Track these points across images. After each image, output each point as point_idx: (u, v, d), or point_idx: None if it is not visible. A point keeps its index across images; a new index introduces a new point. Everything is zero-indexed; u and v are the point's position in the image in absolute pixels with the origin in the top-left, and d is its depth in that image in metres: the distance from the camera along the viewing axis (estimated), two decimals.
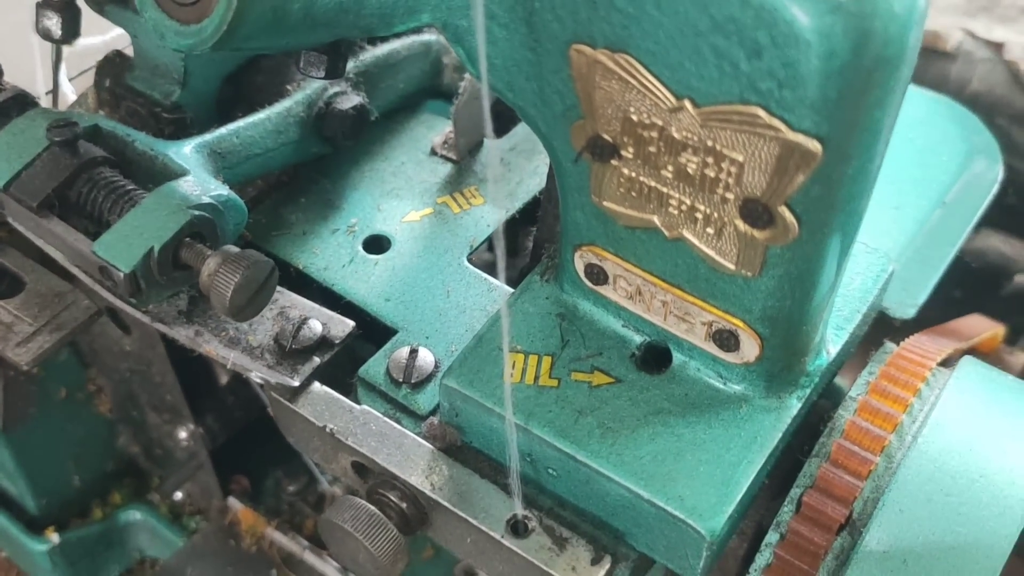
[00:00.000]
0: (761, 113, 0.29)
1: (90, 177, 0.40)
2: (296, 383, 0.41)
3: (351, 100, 0.48)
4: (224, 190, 0.40)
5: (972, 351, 0.50)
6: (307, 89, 0.47)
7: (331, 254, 0.46)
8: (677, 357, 0.38)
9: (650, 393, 0.37)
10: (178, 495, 0.62)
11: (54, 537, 0.59)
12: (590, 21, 0.31)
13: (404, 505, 0.39)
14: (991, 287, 0.72)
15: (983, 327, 0.59)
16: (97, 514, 0.62)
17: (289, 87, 0.48)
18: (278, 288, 0.45)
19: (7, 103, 0.42)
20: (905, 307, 0.46)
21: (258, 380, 0.41)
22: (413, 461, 0.39)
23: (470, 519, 0.37)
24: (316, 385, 0.42)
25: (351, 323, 0.43)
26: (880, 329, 0.45)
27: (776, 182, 0.30)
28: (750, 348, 0.36)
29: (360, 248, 0.47)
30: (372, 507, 0.38)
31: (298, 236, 0.47)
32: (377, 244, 0.47)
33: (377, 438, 0.40)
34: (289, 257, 0.46)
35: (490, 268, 0.47)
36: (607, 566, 0.36)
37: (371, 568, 0.38)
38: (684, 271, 0.35)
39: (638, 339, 0.39)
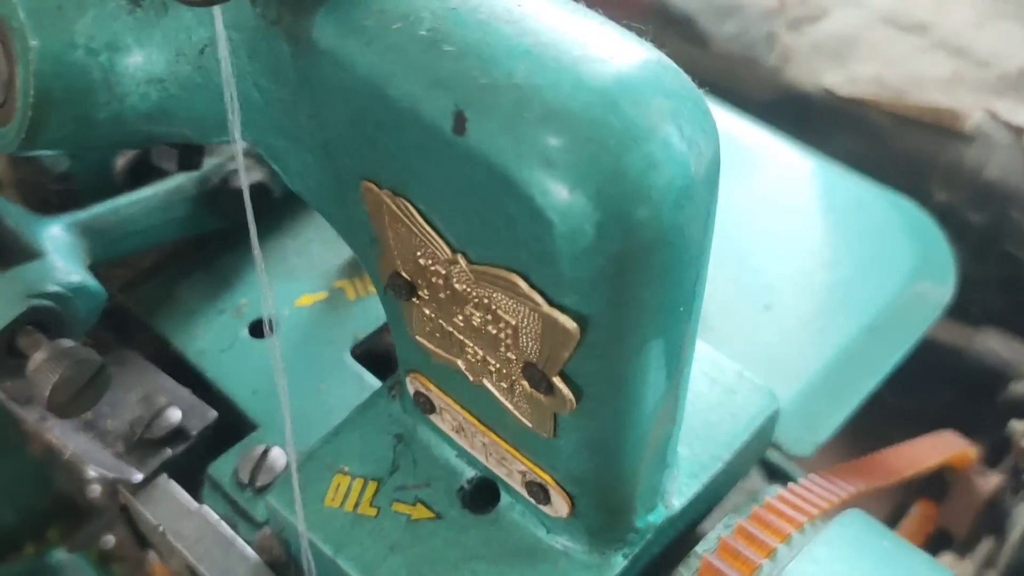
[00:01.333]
0: (521, 283, 0.27)
1: None
2: (138, 478, 0.40)
3: (250, 176, 0.47)
4: (78, 277, 0.40)
5: (923, 478, 0.46)
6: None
7: (212, 336, 0.45)
8: (504, 497, 0.36)
9: (469, 535, 0.35)
10: (109, 541, 0.62)
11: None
12: (372, 161, 0.29)
13: None
14: (986, 392, 0.67)
15: (945, 449, 0.55)
16: (29, 551, 0.62)
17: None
18: (155, 370, 0.44)
19: None
20: (803, 444, 0.42)
21: (96, 474, 0.40)
22: (234, 574, 0.38)
23: None
24: (162, 479, 0.41)
25: (213, 414, 0.42)
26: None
27: (547, 351, 0.28)
28: (560, 504, 0.33)
29: (245, 331, 0.46)
30: None
31: (184, 314, 0.46)
32: (260, 329, 0.46)
33: (207, 544, 0.39)
34: (169, 336, 0.45)
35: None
36: None
37: None
38: (493, 417, 0.33)
39: (469, 473, 0.36)
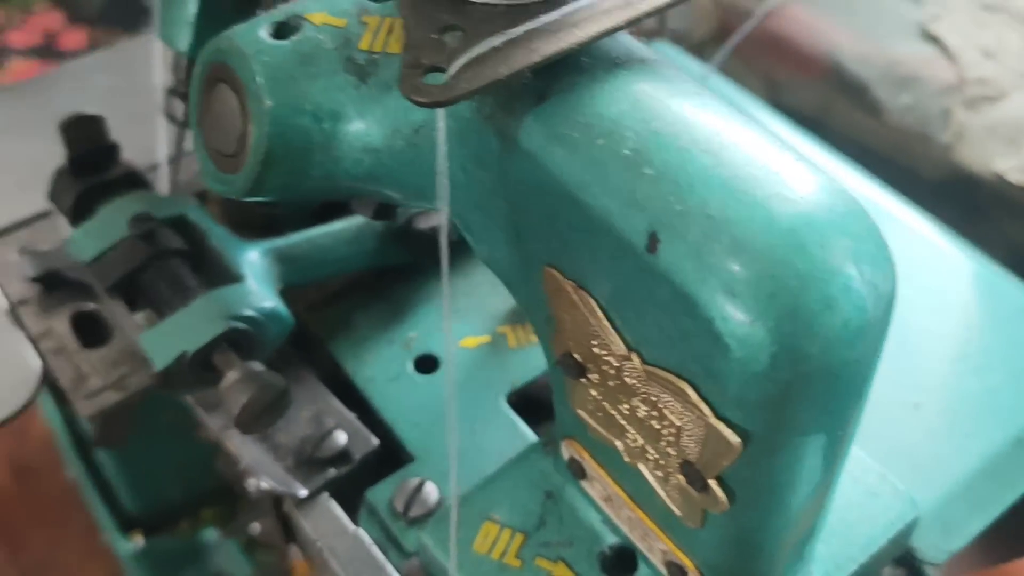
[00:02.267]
0: (690, 391, 0.28)
1: (159, 267, 0.44)
2: (303, 494, 0.43)
3: (431, 219, 0.50)
4: (271, 303, 0.43)
5: None
6: None
7: (381, 366, 0.48)
8: (642, 568, 0.37)
9: None
10: (256, 528, 0.67)
11: (139, 540, 0.65)
12: (560, 253, 0.31)
13: None
14: None
15: None
16: (184, 527, 0.68)
17: None
18: (326, 391, 0.47)
19: (117, 180, 0.47)
20: (937, 551, 0.42)
21: (267, 485, 0.43)
22: None
23: None
24: (323, 497, 0.44)
25: (375, 442, 0.45)
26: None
27: (707, 456, 0.29)
28: None
29: (410, 364, 0.49)
30: None
31: (358, 340, 0.49)
32: (428, 363, 0.49)
33: (359, 566, 0.42)
34: (342, 360, 0.49)
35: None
36: None
37: None
38: (643, 497, 0.35)
39: (611, 539, 0.38)
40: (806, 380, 0.26)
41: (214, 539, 0.66)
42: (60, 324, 0.50)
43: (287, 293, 0.47)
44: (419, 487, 0.44)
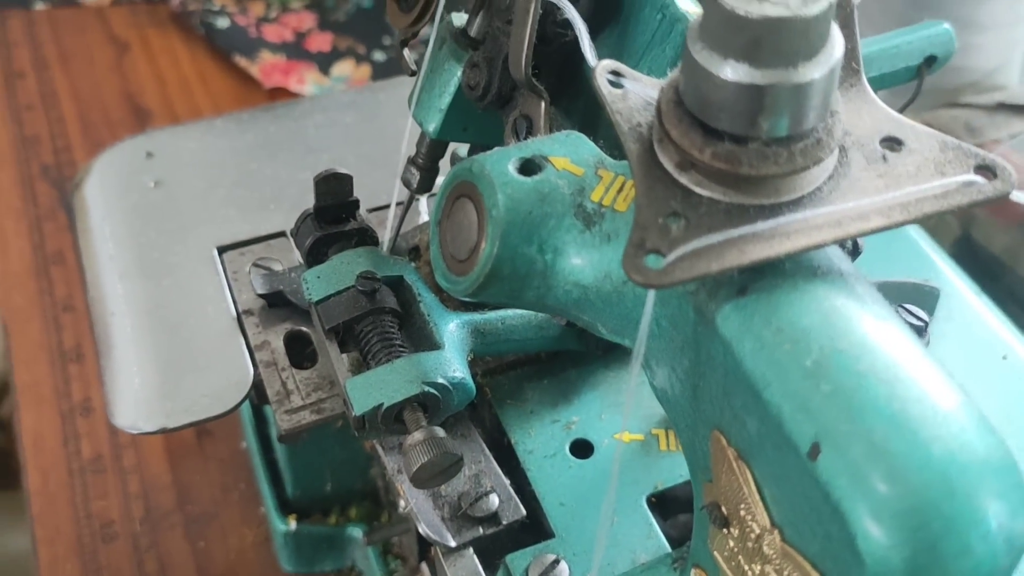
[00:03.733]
0: None
1: (373, 321, 0.50)
2: (452, 544, 0.49)
3: None
4: (460, 374, 0.48)
5: None
6: None
7: (542, 441, 0.53)
8: None
9: None
10: (397, 541, 0.73)
11: (292, 524, 0.72)
12: (728, 423, 0.35)
13: None
14: None
15: None
16: (332, 519, 0.74)
17: None
18: (488, 455, 0.53)
19: (351, 233, 0.53)
20: None
21: (423, 532, 0.49)
22: None
23: None
24: (469, 552, 0.49)
25: (522, 512, 0.50)
26: None
27: None
28: None
29: (567, 446, 0.53)
30: None
31: (525, 412, 0.54)
32: (584, 448, 0.53)
33: None
34: (508, 427, 0.54)
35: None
36: None
37: None
38: None
39: None
40: None
41: (356, 536, 0.73)
42: (275, 339, 0.57)
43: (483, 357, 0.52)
44: (554, 563, 0.48)
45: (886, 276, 0.58)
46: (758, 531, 0.35)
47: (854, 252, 0.46)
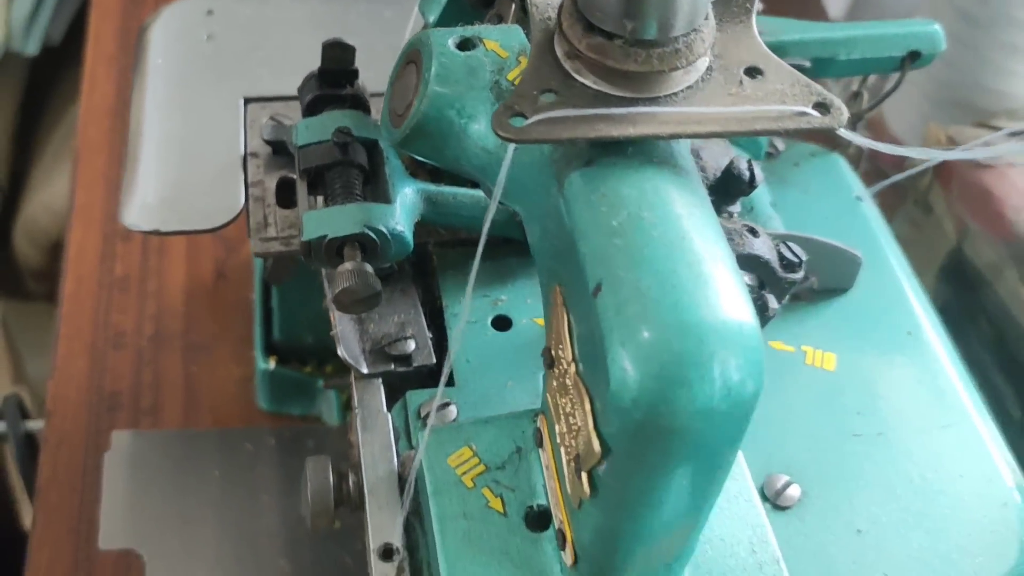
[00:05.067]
0: (587, 403, 0.39)
1: (341, 172, 0.57)
2: (365, 371, 0.56)
3: None
4: (402, 228, 0.56)
5: None
6: None
7: (470, 310, 0.60)
8: (550, 531, 0.48)
9: (513, 540, 0.48)
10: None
11: (272, 363, 0.81)
12: (565, 277, 0.41)
13: (351, 482, 0.53)
14: None
15: None
16: (308, 369, 0.83)
17: None
18: (419, 310, 0.60)
19: (346, 97, 0.61)
20: None
21: (341, 354, 0.57)
22: (373, 463, 0.53)
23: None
24: (378, 382, 0.57)
25: (432, 360, 0.57)
26: None
27: (583, 454, 0.40)
28: (569, 556, 0.45)
29: (489, 318, 0.60)
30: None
31: (461, 284, 0.61)
32: (503, 323, 0.60)
33: (373, 438, 0.54)
34: (443, 292, 0.61)
35: None
36: None
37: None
38: (560, 474, 0.45)
39: (540, 500, 0.49)
40: (652, 430, 0.36)
41: (320, 385, 0.81)
42: (270, 181, 0.65)
43: (424, 226, 0.59)
44: (445, 405, 0.56)
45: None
46: (566, 367, 0.41)
47: (751, 184, 0.52)
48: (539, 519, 0.48)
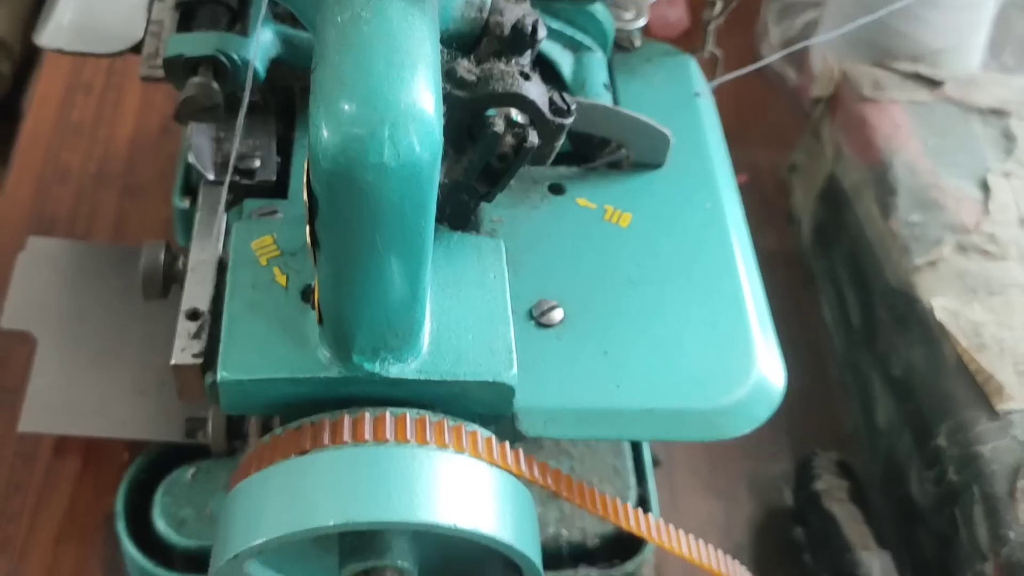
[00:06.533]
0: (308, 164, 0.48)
1: (211, 10, 0.66)
2: (210, 177, 0.66)
3: None
4: (252, 58, 0.65)
5: None
6: None
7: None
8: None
9: (286, 306, 0.56)
10: None
11: (186, 203, 0.90)
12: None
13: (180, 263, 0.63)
14: None
15: None
16: None
17: None
18: (273, 137, 0.69)
19: None
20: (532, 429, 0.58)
21: (191, 161, 0.66)
22: (200, 247, 0.62)
23: None
24: (222, 188, 0.66)
25: (273, 177, 0.67)
26: None
27: (306, 208, 0.49)
28: (317, 314, 0.54)
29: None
30: None
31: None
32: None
33: (204, 228, 0.64)
34: (298, 127, 0.70)
35: None
36: None
37: None
38: None
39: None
40: (340, 181, 0.45)
41: None
42: (169, 19, 0.74)
43: (292, 71, 0.68)
44: (273, 212, 0.65)
45: None
46: None
47: (533, 38, 0.60)
48: (312, 295, 0.57)
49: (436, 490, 0.52)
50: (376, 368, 0.54)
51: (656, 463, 0.86)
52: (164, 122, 1.02)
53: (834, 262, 0.96)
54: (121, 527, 0.72)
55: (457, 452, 0.54)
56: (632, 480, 0.79)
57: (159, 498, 0.73)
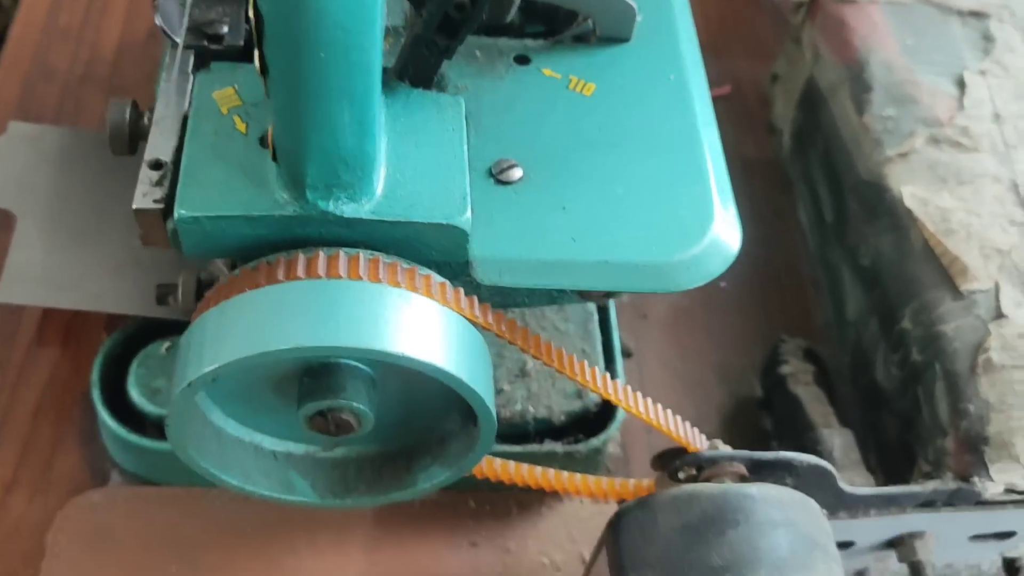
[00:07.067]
0: None
1: None
2: (179, 41, 0.67)
3: None
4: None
5: None
6: None
7: None
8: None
9: (244, 153, 0.58)
10: None
11: None
12: None
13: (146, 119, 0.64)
14: None
15: None
16: None
17: None
18: (239, 5, 0.70)
19: None
20: (487, 277, 0.59)
21: (158, 23, 0.67)
22: (166, 103, 0.64)
23: None
24: (191, 54, 0.67)
25: (240, 43, 0.67)
26: None
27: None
28: (271, 151, 0.55)
29: None
30: None
31: None
32: None
33: (170, 86, 0.65)
34: None
35: None
36: None
37: None
38: None
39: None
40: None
41: None
42: None
43: None
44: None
45: None
46: None
47: None
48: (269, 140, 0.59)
49: (387, 321, 0.53)
50: (330, 207, 0.55)
51: (627, 354, 0.87)
52: (151, 27, 1.03)
53: (810, 163, 0.96)
54: (96, 395, 0.74)
55: (409, 291, 0.55)
56: (601, 364, 0.80)
57: (134, 369, 0.75)
